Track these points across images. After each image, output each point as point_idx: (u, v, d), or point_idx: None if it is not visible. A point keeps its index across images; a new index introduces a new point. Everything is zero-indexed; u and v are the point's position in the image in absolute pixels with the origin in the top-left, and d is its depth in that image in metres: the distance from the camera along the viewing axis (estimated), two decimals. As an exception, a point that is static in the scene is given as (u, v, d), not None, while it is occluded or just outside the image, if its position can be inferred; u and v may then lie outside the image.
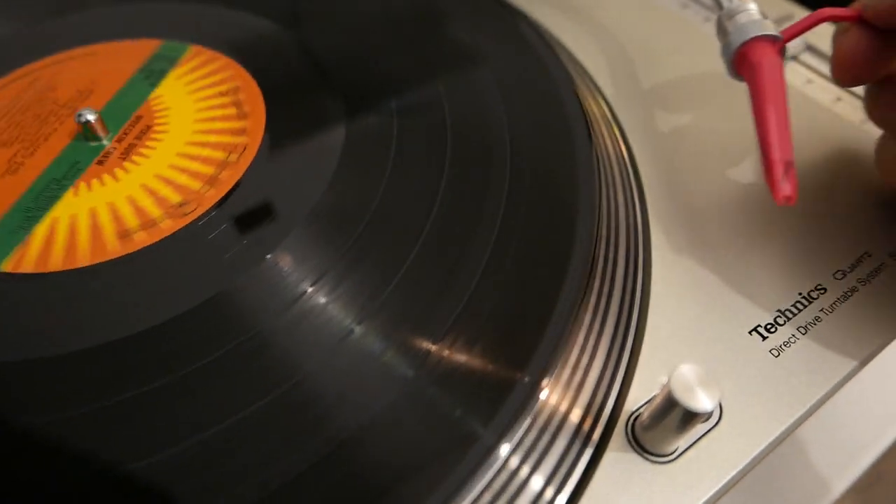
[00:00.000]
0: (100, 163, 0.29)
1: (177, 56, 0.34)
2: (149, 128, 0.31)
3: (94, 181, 0.29)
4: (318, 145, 0.29)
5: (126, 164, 0.29)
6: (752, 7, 0.27)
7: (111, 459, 0.20)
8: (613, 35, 0.38)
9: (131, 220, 0.27)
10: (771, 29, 0.26)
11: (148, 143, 0.30)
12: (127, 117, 0.31)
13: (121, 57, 0.34)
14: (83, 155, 0.30)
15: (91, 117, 0.29)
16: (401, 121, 0.29)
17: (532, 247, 0.25)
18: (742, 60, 0.26)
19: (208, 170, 0.28)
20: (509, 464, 0.21)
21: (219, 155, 0.29)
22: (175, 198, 0.28)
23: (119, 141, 0.30)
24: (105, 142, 0.30)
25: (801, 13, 0.38)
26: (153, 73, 0.33)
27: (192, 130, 0.30)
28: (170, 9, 0.36)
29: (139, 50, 0.34)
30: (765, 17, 0.27)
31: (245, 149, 0.29)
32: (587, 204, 0.26)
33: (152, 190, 0.28)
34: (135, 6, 0.37)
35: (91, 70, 0.34)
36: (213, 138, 0.30)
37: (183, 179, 0.28)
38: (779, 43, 0.25)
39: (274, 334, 0.23)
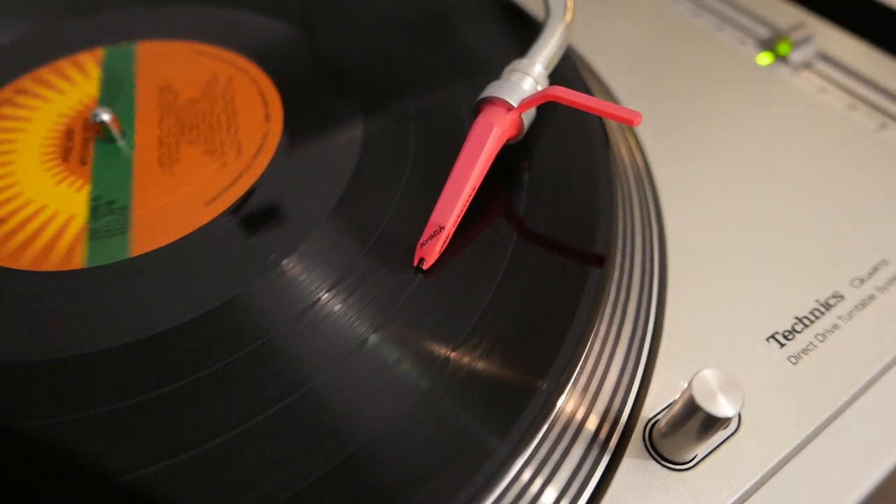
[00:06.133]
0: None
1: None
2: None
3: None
4: (336, 148, 0.29)
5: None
6: (533, 71, 0.27)
7: (120, 464, 0.20)
8: (626, 41, 0.38)
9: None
10: (515, 98, 0.26)
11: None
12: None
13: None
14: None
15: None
16: (419, 125, 0.29)
17: (550, 252, 0.25)
18: (476, 112, 0.26)
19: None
20: (524, 474, 0.21)
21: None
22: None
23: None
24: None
25: (813, 22, 0.38)
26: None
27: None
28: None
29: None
30: (537, 85, 0.27)
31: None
32: (605, 210, 0.26)
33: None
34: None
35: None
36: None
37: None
38: (514, 111, 0.26)
39: (287, 340, 0.23)
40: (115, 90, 0.33)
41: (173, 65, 0.34)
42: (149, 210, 0.28)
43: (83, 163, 0.30)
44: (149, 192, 0.29)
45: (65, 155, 0.30)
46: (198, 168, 0.29)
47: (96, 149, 0.30)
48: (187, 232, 0.27)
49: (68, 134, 0.31)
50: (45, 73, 0.34)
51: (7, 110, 0.32)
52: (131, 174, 0.29)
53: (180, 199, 0.28)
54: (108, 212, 0.28)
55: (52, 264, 0.26)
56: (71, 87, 0.33)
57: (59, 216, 0.28)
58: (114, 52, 0.35)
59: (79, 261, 0.26)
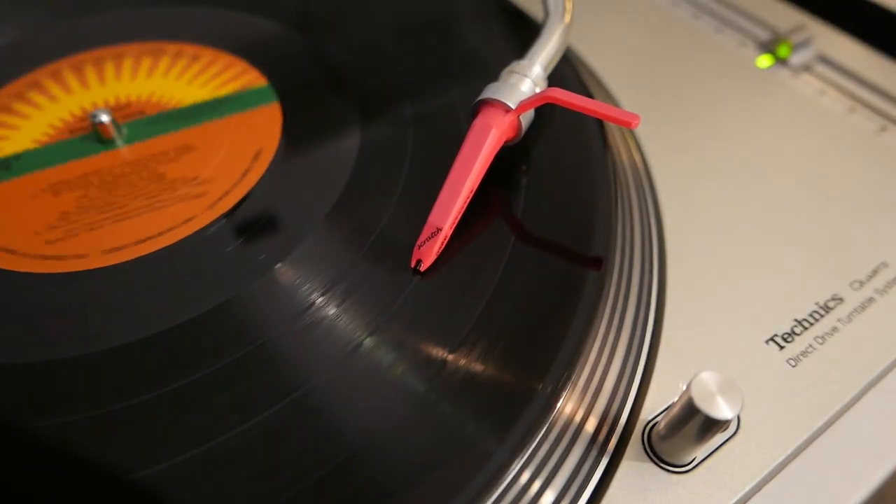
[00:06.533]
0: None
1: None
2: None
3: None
4: (333, 153, 0.29)
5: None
6: (531, 73, 0.27)
7: (118, 465, 0.20)
8: (626, 44, 0.38)
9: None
10: (513, 99, 0.26)
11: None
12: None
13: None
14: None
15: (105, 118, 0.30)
16: (416, 128, 0.29)
17: (548, 253, 0.25)
18: (475, 114, 0.26)
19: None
20: (523, 476, 0.21)
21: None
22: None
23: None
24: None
25: (813, 24, 0.38)
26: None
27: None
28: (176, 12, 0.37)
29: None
30: (535, 87, 0.27)
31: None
32: (603, 212, 0.26)
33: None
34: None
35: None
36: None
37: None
38: (511, 112, 0.26)
39: (284, 343, 0.23)
40: (209, 109, 0.32)
41: (238, 137, 0.31)
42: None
43: (72, 132, 0.31)
44: (26, 186, 0.29)
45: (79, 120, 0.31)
46: (29, 210, 0.28)
47: (87, 136, 0.31)
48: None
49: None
50: (171, 48, 0.35)
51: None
52: (54, 165, 0.30)
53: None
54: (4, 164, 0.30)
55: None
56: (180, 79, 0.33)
57: None
58: (259, 90, 0.33)
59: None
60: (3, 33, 0.36)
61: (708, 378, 0.19)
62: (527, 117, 0.27)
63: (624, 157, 0.30)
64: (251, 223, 0.26)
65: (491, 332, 0.22)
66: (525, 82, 0.27)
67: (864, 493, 0.23)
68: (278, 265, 0.25)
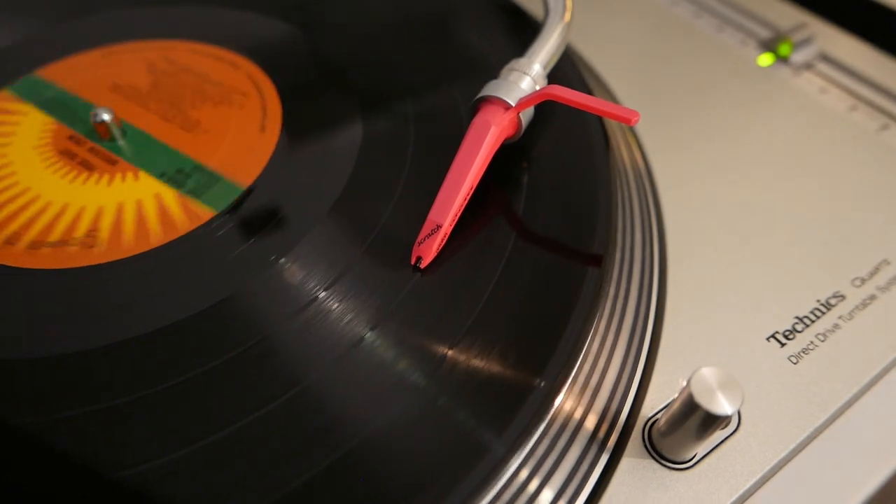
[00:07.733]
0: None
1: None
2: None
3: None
4: (335, 149, 0.29)
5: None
6: (531, 70, 0.27)
7: (116, 461, 0.20)
8: (627, 43, 0.38)
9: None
10: (513, 97, 0.26)
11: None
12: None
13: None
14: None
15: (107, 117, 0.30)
16: (418, 125, 0.29)
17: (548, 251, 0.25)
18: (474, 111, 0.26)
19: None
20: (522, 473, 0.20)
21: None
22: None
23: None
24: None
25: (814, 22, 0.38)
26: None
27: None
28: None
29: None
30: (535, 84, 0.27)
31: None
32: (603, 210, 0.26)
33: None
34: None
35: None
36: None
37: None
38: (511, 110, 0.26)
39: (284, 338, 0.23)
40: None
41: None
42: (218, 159, 0.29)
43: (112, 162, 0.30)
44: (202, 150, 0.30)
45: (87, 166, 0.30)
46: (221, 116, 0.31)
47: (112, 146, 0.30)
48: (270, 154, 0.29)
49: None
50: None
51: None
52: (171, 149, 0.30)
53: (234, 138, 0.30)
54: (185, 177, 0.29)
55: (154, 242, 0.26)
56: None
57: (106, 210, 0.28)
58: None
59: (187, 223, 0.27)
60: (3, 33, 0.36)
61: (708, 374, 0.19)
62: (526, 115, 0.27)
63: (625, 155, 0.30)
64: (252, 219, 0.26)
65: (490, 329, 0.22)
66: (525, 80, 0.27)
67: (867, 492, 0.23)
68: (280, 260, 0.25)
